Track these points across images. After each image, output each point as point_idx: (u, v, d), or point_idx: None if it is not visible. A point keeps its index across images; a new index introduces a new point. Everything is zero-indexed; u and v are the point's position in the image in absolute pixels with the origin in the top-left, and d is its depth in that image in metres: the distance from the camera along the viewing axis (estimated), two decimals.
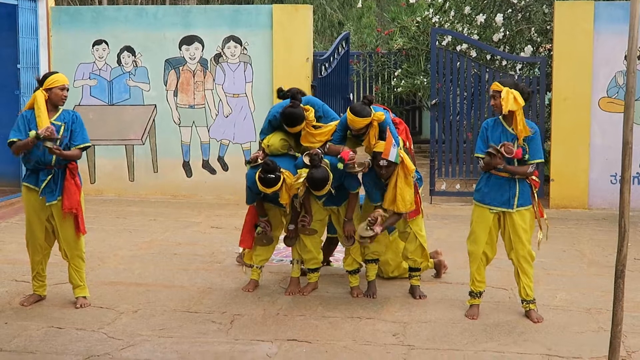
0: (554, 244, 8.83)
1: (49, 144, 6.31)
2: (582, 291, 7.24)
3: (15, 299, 6.92)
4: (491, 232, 6.48)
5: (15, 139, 6.49)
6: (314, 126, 6.90)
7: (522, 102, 6.26)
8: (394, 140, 6.52)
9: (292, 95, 6.87)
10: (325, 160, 6.73)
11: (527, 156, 6.33)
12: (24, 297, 6.92)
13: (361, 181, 6.91)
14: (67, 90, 6.63)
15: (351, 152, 6.67)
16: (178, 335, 6.12)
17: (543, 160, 6.48)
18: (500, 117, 6.45)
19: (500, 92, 6.29)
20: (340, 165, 6.61)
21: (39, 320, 6.43)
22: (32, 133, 6.31)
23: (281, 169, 6.62)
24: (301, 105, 6.83)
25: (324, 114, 6.98)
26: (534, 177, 6.44)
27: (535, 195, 6.47)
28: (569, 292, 7.22)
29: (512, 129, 6.35)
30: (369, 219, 6.59)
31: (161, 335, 6.12)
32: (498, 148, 6.21)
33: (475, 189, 6.61)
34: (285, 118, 6.79)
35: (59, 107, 6.61)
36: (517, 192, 6.37)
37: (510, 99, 6.22)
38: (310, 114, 6.87)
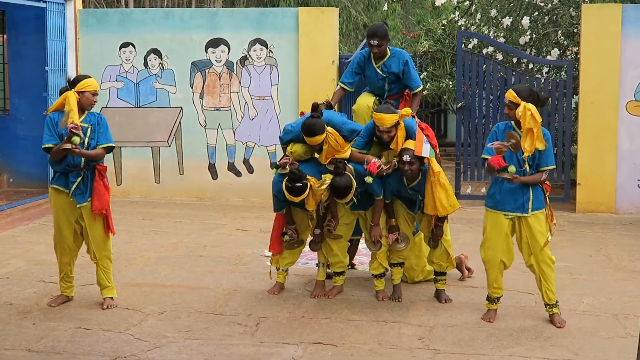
0: (581, 248, 8.78)
1: (67, 145, 6.38)
2: (609, 296, 7.19)
3: (43, 300, 6.99)
4: (507, 239, 6.43)
5: (51, 145, 6.56)
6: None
7: (539, 118, 6.14)
8: (424, 137, 6.51)
9: (313, 107, 6.82)
10: (349, 166, 6.73)
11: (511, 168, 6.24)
12: (51, 298, 6.99)
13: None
14: (97, 95, 6.73)
15: (377, 161, 6.61)
16: (204, 337, 6.15)
17: (555, 166, 6.42)
18: (512, 121, 6.38)
19: (516, 104, 6.18)
20: (369, 179, 6.55)
21: (67, 321, 6.49)
22: (76, 140, 6.37)
23: (307, 176, 6.62)
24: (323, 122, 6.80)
25: (347, 132, 6.92)
26: (546, 182, 6.44)
27: (547, 199, 6.44)
28: (596, 297, 7.17)
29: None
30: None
31: (187, 337, 6.15)
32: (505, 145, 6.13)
33: (487, 195, 6.59)
34: (305, 128, 6.73)
35: (85, 110, 6.68)
36: (531, 196, 6.33)
37: (528, 116, 6.08)
38: (336, 138, 6.79)
